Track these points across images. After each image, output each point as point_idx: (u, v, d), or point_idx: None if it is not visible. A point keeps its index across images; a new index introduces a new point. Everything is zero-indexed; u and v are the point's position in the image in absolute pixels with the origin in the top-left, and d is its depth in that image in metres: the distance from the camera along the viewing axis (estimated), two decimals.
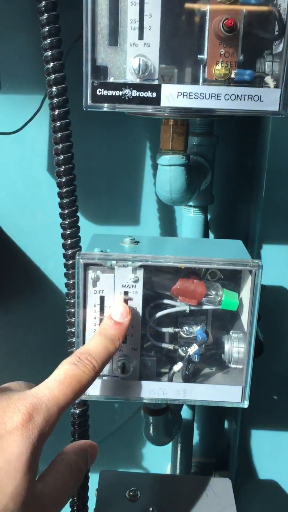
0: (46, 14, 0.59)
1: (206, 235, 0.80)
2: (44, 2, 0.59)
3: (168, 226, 0.86)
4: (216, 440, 1.02)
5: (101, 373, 0.61)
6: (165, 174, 0.64)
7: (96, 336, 0.56)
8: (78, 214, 0.66)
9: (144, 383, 0.61)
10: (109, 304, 0.59)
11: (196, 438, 0.94)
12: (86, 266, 0.58)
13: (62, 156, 0.63)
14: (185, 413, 0.87)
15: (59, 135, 0.62)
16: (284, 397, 0.92)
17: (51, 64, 0.60)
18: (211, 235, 0.86)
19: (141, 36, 0.52)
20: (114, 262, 0.58)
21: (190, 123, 0.72)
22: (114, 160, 0.83)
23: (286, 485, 0.99)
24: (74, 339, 0.60)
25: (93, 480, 0.76)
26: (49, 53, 0.60)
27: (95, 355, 0.52)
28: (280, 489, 0.98)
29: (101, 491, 0.74)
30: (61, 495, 0.49)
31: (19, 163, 0.83)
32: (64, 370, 0.50)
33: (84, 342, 0.59)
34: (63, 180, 0.64)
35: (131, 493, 0.73)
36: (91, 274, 0.58)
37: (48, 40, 0.59)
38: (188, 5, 0.51)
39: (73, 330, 0.62)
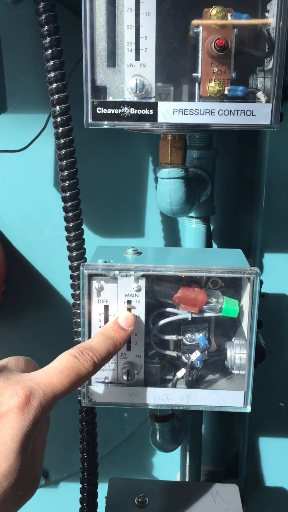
0: (48, 38, 0.62)
1: (209, 245, 0.81)
2: (46, 26, 0.62)
3: (172, 237, 0.88)
4: (226, 448, 1.03)
5: (107, 380, 0.63)
6: (165, 187, 0.66)
7: (99, 335, 0.57)
8: (83, 227, 0.68)
9: (149, 390, 0.63)
10: (113, 313, 0.61)
11: (205, 446, 0.95)
12: (90, 277, 0.60)
13: (66, 171, 0.66)
14: (193, 420, 0.88)
15: (63, 152, 0.65)
16: None
17: (54, 85, 0.63)
18: (214, 245, 0.88)
19: (137, 57, 0.54)
20: (117, 272, 0.60)
21: (189, 137, 0.74)
22: (117, 174, 0.85)
23: None
24: None
25: (103, 488, 0.77)
26: (52, 74, 0.63)
27: (97, 351, 0.54)
28: None
29: (110, 498, 0.75)
30: (44, 446, 0.51)
31: (26, 179, 0.86)
32: (65, 361, 0.51)
33: None
34: (68, 194, 0.66)
35: (140, 500, 0.74)
36: (95, 284, 0.60)
37: (51, 63, 0.62)
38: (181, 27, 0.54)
39: (79, 340, 0.64)
